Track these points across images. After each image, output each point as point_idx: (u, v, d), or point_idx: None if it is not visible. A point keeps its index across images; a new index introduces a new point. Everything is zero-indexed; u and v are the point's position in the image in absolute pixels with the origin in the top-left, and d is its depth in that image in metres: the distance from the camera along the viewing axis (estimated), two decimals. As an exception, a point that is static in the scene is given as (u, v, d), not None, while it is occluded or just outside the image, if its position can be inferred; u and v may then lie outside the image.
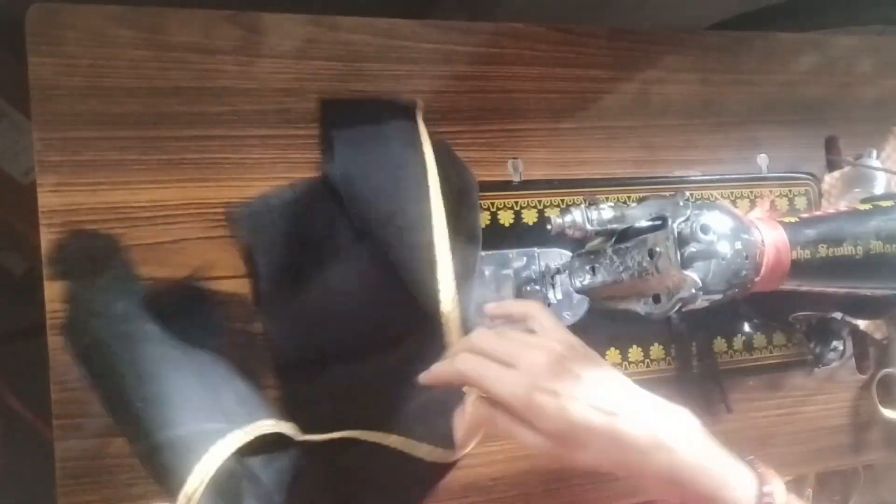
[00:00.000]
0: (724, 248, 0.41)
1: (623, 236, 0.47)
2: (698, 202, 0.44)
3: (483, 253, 0.56)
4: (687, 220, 0.41)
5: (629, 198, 0.61)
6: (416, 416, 0.47)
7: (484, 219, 0.57)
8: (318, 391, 0.50)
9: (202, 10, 0.52)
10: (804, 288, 0.47)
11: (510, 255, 0.57)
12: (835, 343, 0.62)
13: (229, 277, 0.51)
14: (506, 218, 0.57)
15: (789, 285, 0.46)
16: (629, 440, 0.38)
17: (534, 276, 0.57)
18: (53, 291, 0.47)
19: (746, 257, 0.43)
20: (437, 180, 0.51)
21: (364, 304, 0.51)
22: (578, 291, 0.53)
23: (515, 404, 0.39)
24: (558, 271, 0.55)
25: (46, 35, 0.49)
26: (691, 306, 0.42)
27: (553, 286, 0.56)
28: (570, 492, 0.57)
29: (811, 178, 0.67)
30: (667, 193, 0.59)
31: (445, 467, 0.46)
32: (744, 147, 0.66)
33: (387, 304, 0.51)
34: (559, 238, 0.49)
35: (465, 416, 0.43)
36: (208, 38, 0.52)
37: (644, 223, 0.46)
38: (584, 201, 0.49)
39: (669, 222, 0.42)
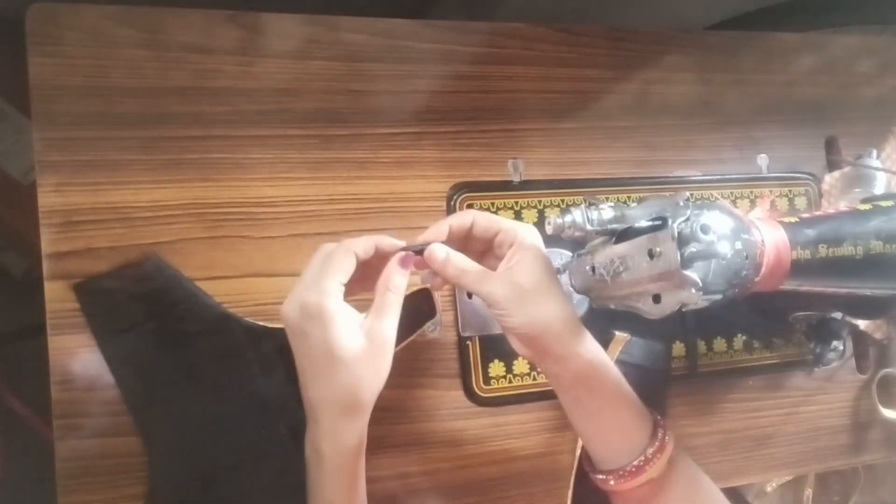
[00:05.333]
0: (724, 248, 0.41)
1: (623, 236, 0.47)
2: (698, 202, 0.44)
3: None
4: (687, 220, 0.41)
5: (629, 198, 0.61)
6: None
7: (484, 219, 0.57)
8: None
9: (202, 10, 0.52)
10: (804, 288, 0.47)
11: (510, 255, 0.57)
12: (835, 343, 0.62)
13: (229, 277, 0.51)
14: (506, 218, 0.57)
15: (789, 285, 0.46)
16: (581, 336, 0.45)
17: (534, 276, 0.56)
18: (53, 291, 0.47)
19: (746, 257, 0.43)
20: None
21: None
22: (578, 291, 0.52)
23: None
24: (558, 271, 0.55)
25: (46, 35, 0.49)
26: (691, 306, 0.42)
27: (553, 286, 0.56)
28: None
29: (811, 178, 0.67)
30: (667, 193, 0.59)
31: None
32: (744, 147, 0.66)
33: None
34: (559, 238, 0.49)
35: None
36: (208, 38, 0.52)
37: (644, 223, 0.46)
38: (584, 201, 0.49)
39: (669, 222, 0.41)
